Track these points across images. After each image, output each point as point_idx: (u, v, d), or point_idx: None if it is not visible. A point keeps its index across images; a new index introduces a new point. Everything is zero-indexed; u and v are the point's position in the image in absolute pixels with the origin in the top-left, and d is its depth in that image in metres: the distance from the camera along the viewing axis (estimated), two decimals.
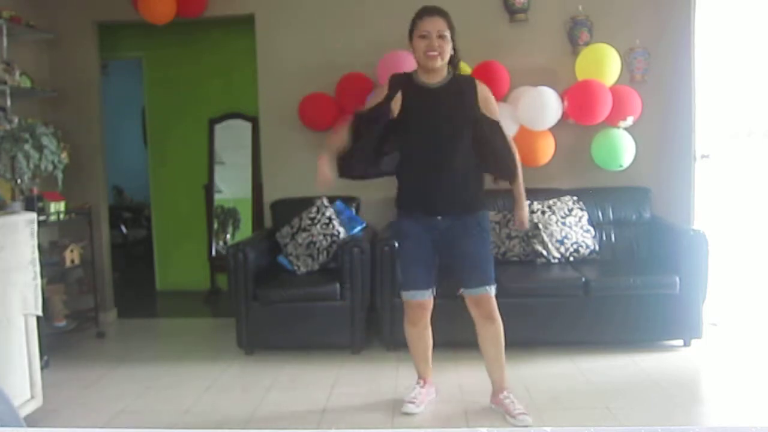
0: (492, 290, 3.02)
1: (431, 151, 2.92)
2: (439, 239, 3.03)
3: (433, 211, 2.97)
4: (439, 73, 2.95)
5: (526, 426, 2.91)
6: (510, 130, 4.25)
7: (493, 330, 3.04)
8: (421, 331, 3.16)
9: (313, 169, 4.63)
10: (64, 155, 3.97)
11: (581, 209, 4.28)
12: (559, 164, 4.43)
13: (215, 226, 5.76)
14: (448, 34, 2.88)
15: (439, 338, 3.25)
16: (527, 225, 3.24)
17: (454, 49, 2.96)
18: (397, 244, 3.08)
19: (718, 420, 3.00)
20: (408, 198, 3.03)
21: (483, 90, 3.00)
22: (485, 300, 3.01)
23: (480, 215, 3.02)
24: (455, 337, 3.54)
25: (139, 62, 6.03)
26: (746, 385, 3.38)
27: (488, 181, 3.17)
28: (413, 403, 3.11)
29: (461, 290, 3.06)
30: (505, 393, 3.07)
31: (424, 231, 3.00)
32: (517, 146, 4.27)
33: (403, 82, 3.00)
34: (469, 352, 3.54)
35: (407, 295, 3.08)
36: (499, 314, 3.04)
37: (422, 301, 3.07)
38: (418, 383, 3.23)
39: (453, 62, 3.02)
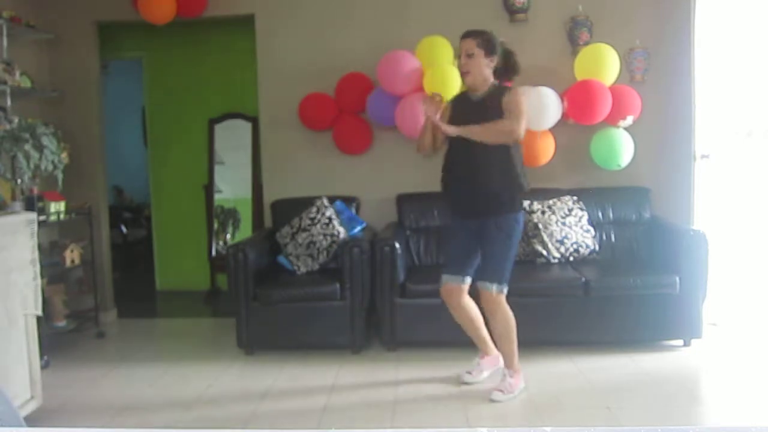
0: (492, 288, 3.20)
1: (461, 159, 3.21)
2: (474, 236, 3.32)
3: (464, 214, 3.30)
4: (480, 87, 3.22)
5: (495, 401, 3.16)
6: None
7: (494, 323, 3.31)
8: (456, 311, 3.39)
9: (313, 170, 4.74)
10: (64, 155, 3.97)
11: (581, 209, 4.28)
12: (559, 164, 4.43)
13: (215, 226, 5.76)
14: (476, 52, 3.15)
15: (442, 338, 3.25)
16: (447, 129, 3.18)
17: (513, 62, 3.27)
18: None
19: (718, 420, 3.01)
20: (449, 199, 3.41)
21: (508, 95, 3.19)
22: (485, 296, 3.25)
23: (502, 219, 3.18)
24: (455, 336, 3.54)
25: (139, 62, 6.02)
26: (746, 385, 3.38)
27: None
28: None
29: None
30: (505, 369, 3.30)
31: (462, 226, 3.33)
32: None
33: (458, 97, 3.38)
34: (469, 351, 3.55)
35: (442, 279, 3.38)
36: (507, 312, 3.25)
37: (451, 286, 3.34)
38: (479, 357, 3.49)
39: (504, 74, 3.27)
